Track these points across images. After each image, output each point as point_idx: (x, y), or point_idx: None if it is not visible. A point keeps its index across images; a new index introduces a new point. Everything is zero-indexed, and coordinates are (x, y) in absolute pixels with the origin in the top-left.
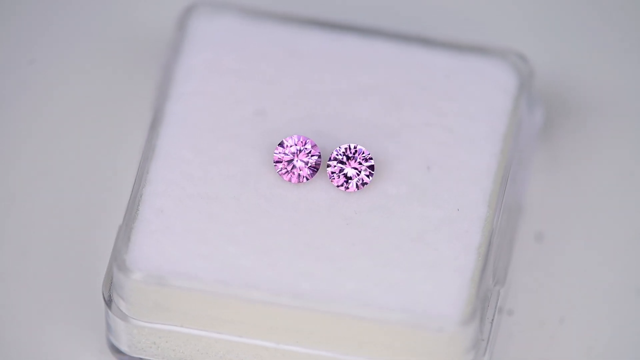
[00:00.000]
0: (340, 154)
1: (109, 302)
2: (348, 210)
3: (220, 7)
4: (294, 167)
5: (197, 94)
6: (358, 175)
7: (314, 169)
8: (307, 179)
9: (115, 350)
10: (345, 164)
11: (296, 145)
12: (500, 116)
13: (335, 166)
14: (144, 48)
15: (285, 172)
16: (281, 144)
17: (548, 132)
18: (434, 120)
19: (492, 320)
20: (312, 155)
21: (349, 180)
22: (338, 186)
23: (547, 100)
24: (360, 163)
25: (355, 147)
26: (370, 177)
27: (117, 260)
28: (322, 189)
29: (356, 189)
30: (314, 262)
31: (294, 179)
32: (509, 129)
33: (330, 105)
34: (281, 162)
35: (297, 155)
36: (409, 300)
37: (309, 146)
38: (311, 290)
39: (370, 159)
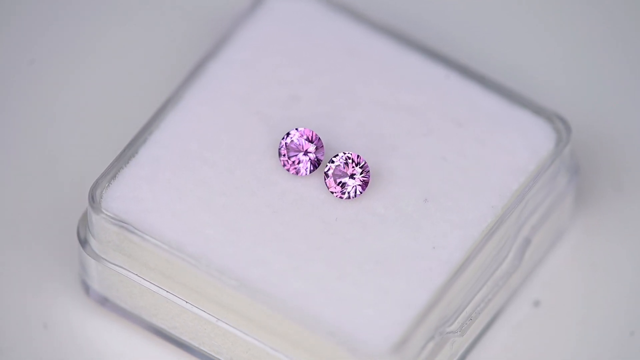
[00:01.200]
0: (342, 160)
1: (81, 238)
2: (330, 215)
3: None
4: (295, 158)
5: (243, 64)
6: (351, 185)
7: (314, 165)
8: (305, 174)
9: (86, 286)
10: (344, 170)
11: (304, 138)
12: (518, 174)
13: (333, 169)
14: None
15: (286, 161)
16: (289, 134)
17: (582, 199)
18: (452, 156)
19: None
20: (315, 152)
21: (342, 188)
22: (329, 189)
23: (585, 165)
24: (359, 174)
25: (358, 158)
26: (361, 190)
27: (94, 194)
28: (315, 187)
29: (346, 197)
30: (273, 253)
31: (292, 170)
32: (521, 188)
33: (360, 111)
34: (285, 150)
35: (302, 148)
36: (345, 317)
37: (314, 144)
38: (258, 278)
39: (368, 172)
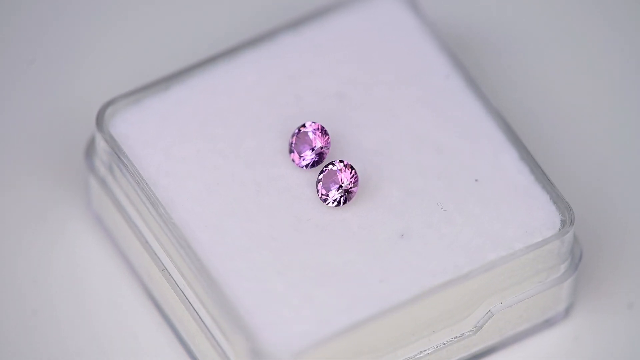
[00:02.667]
0: (339, 167)
1: (87, 154)
2: (305, 214)
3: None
4: (302, 149)
5: (310, 46)
6: (334, 195)
7: (314, 163)
8: (305, 168)
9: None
10: (334, 178)
11: (317, 133)
12: (500, 247)
13: (325, 173)
14: None
15: (294, 149)
16: (304, 125)
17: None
18: (449, 206)
19: None
20: (319, 150)
21: (327, 193)
22: (318, 192)
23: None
24: (346, 188)
25: (353, 174)
26: (341, 203)
27: (104, 110)
28: (309, 182)
29: (327, 203)
30: (233, 227)
31: (297, 160)
32: (497, 260)
33: (389, 131)
34: (295, 139)
35: (312, 143)
36: (261, 310)
37: (322, 141)
38: (205, 242)
39: (353, 189)
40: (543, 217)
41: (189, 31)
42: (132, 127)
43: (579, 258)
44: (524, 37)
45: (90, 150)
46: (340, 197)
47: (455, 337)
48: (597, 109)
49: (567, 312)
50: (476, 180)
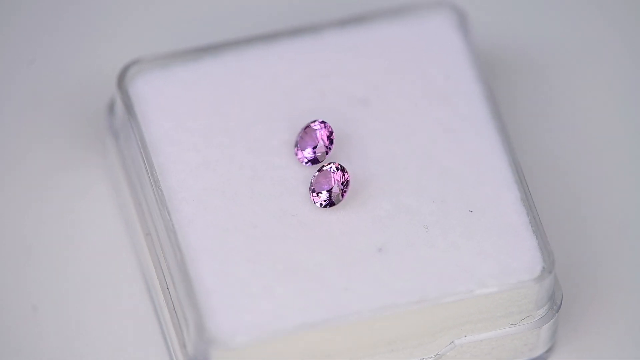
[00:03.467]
0: (332, 170)
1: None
2: (293, 208)
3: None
4: (305, 145)
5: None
6: (320, 197)
7: (314, 161)
8: (306, 164)
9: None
10: (327, 180)
11: (323, 132)
12: (472, 282)
13: (318, 174)
14: None
15: (298, 143)
16: (314, 121)
17: None
18: (433, 231)
19: None
20: (318, 149)
21: (318, 194)
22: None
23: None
24: (334, 192)
25: (345, 182)
26: (325, 206)
27: (127, 69)
28: (305, 179)
29: (315, 203)
30: (217, 206)
31: (299, 155)
32: (466, 294)
33: (393, 144)
34: (302, 134)
35: (315, 141)
36: (220, 294)
37: (326, 141)
38: (186, 213)
39: (339, 196)
40: (524, 261)
41: (234, 6)
42: (152, 89)
43: (559, 305)
44: (568, 68)
45: (111, 108)
46: (329, 199)
47: None
48: (619, 159)
49: (546, 356)
50: (470, 211)
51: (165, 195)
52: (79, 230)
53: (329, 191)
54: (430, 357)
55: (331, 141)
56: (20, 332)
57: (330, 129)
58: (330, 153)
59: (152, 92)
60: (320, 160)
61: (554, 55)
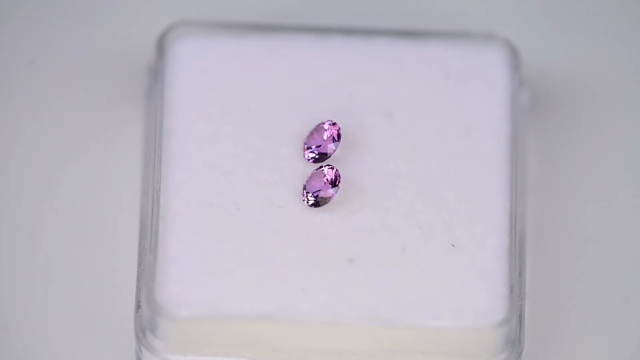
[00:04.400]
0: (325, 171)
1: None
2: (282, 200)
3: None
4: (312, 143)
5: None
6: (307, 197)
7: (316, 159)
8: (308, 160)
9: None
10: (318, 180)
11: (331, 133)
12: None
13: (311, 174)
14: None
15: (307, 139)
16: (326, 122)
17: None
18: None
19: None
20: (322, 149)
21: (307, 193)
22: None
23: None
24: (322, 195)
25: (335, 186)
26: (312, 204)
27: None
28: (303, 176)
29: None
30: (207, 182)
31: (304, 151)
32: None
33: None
34: (313, 132)
35: (322, 140)
36: (180, 266)
37: (332, 142)
38: (169, 182)
39: (326, 200)
40: (487, 306)
41: None
42: (189, 53)
43: (520, 353)
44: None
45: (151, 68)
46: (315, 199)
47: None
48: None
49: None
50: (453, 245)
51: (164, 158)
52: (102, 185)
53: (317, 192)
54: None
55: (336, 143)
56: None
57: (338, 131)
58: (333, 154)
59: (188, 56)
60: (323, 160)
61: (603, 95)
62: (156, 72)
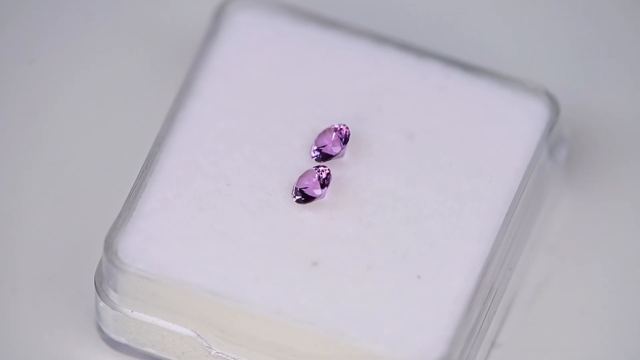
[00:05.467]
0: (317, 170)
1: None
2: (272, 188)
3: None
4: (320, 143)
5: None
6: (294, 193)
7: (319, 158)
8: (312, 158)
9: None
10: (310, 178)
11: (340, 135)
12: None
13: (304, 172)
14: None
15: (317, 137)
16: (339, 124)
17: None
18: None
19: None
20: (327, 149)
21: (295, 188)
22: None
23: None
24: (308, 194)
25: (323, 186)
26: (297, 200)
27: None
28: (301, 170)
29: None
30: (215, 156)
31: (312, 150)
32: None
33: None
34: (325, 131)
35: (329, 141)
36: (155, 248)
37: (340, 144)
38: (172, 148)
39: (311, 198)
40: (428, 344)
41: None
42: (243, 26)
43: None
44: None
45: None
46: (301, 196)
47: None
48: None
49: None
50: (418, 276)
51: (179, 116)
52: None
53: (305, 188)
54: None
55: (343, 147)
56: None
57: (346, 136)
58: (341, 158)
59: (242, 28)
60: (326, 160)
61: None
62: (207, 36)
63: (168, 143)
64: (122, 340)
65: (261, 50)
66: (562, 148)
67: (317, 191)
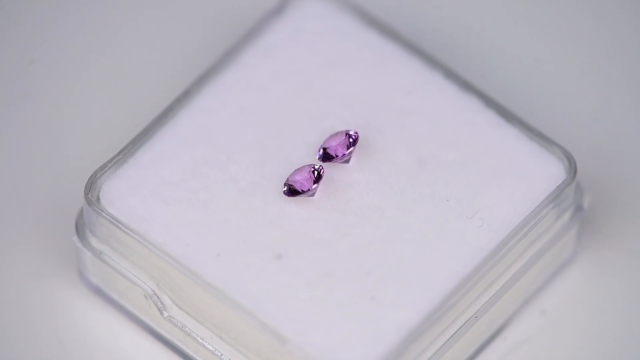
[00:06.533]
0: (310, 168)
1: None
2: (270, 175)
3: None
4: (327, 142)
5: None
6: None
7: (321, 158)
8: (317, 157)
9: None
10: (302, 174)
11: (345, 140)
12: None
13: (299, 168)
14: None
15: (324, 141)
16: (347, 130)
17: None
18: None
19: None
20: (331, 150)
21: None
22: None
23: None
24: (298, 185)
25: (314, 181)
26: (284, 191)
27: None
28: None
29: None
30: (229, 132)
31: (319, 149)
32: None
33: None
34: (335, 134)
35: (335, 144)
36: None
37: (344, 147)
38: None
39: (296, 194)
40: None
41: None
42: (307, 15)
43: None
44: None
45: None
46: (289, 187)
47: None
48: None
49: None
50: (372, 297)
51: (205, 85)
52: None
53: (295, 182)
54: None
55: (346, 152)
56: None
57: (351, 142)
58: (342, 160)
59: (303, 16)
60: (328, 161)
61: None
62: (267, 13)
63: (189, 103)
64: (100, 285)
65: (314, 41)
66: (577, 213)
67: (306, 187)
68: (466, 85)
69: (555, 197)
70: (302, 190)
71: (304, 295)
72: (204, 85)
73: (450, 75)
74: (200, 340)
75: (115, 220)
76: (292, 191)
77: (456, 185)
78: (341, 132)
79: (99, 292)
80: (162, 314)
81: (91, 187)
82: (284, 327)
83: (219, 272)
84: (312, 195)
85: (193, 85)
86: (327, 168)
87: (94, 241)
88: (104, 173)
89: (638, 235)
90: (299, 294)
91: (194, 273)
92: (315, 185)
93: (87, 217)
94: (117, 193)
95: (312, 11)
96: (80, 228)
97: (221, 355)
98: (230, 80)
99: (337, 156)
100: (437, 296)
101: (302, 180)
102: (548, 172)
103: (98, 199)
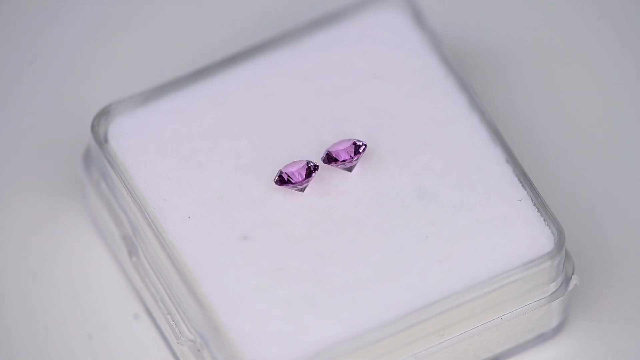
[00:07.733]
0: (306, 164)
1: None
2: (270, 165)
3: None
4: (335, 146)
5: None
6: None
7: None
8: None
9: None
10: (296, 168)
11: (352, 148)
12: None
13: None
14: None
15: (334, 144)
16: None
17: None
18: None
19: None
20: (332, 151)
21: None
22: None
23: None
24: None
25: (306, 177)
26: (275, 179)
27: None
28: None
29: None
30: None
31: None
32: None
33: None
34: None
35: (342, 148)
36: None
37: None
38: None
39: (288, 184)
40: (265, 354)
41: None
42: (369, 23)
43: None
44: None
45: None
46: (280, 176)
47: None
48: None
49: None
50: (312, 305)
51: (248, 59)
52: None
53: (287, 172)
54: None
55: (349, 158)
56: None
57: (355, 150)
58: (346, 167)
59: (364, 24)
60: (329, 162)
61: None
62: (330, 13)
63: (229, 70)
64: (95, 216)
65: (374, 47)
66: (562, 285)
67: (295, 179)
68: (495, 134)
69: (534, 266)
70: (291, 182)
71: (250, 281)
72: (250, 57)
73: (485, 119)
74: (155, 294)
75: (110, 155)
76: (281, 180)
77: (443, 226)
78: (350, 140)
79: (94, 223)
80: (130, 257)
81: (102, 118)
82: (219, 305)
83: (180, 234)
84: (302, 190)
85: (239, 54)
86: (329, 171)
87: (93, 171)
88: (118, 107)
89: (627, 317)
90: (247, 278)
91: (158, 227)
92: (306, 180)
93: (91, 145)
94: (125, 130)
95: (388, 19)
96: (88, 155)
97: (166, 314)
98: (277, 60)
99: (338, 160)
100: (373, 322)
101: (293, 172)
102: (536, 241)
103: (106, 131)
